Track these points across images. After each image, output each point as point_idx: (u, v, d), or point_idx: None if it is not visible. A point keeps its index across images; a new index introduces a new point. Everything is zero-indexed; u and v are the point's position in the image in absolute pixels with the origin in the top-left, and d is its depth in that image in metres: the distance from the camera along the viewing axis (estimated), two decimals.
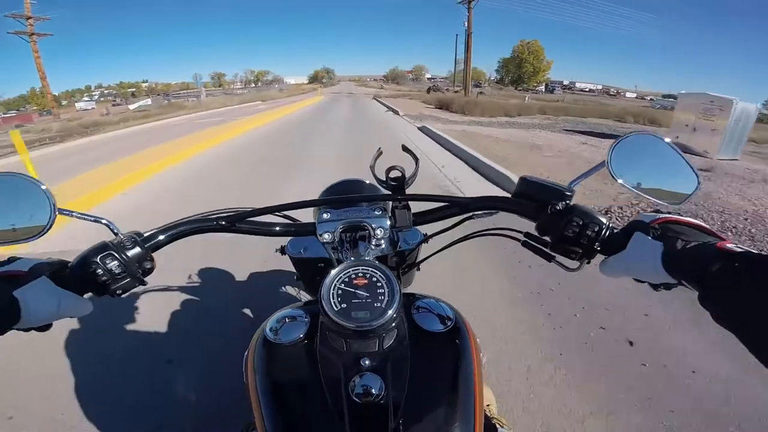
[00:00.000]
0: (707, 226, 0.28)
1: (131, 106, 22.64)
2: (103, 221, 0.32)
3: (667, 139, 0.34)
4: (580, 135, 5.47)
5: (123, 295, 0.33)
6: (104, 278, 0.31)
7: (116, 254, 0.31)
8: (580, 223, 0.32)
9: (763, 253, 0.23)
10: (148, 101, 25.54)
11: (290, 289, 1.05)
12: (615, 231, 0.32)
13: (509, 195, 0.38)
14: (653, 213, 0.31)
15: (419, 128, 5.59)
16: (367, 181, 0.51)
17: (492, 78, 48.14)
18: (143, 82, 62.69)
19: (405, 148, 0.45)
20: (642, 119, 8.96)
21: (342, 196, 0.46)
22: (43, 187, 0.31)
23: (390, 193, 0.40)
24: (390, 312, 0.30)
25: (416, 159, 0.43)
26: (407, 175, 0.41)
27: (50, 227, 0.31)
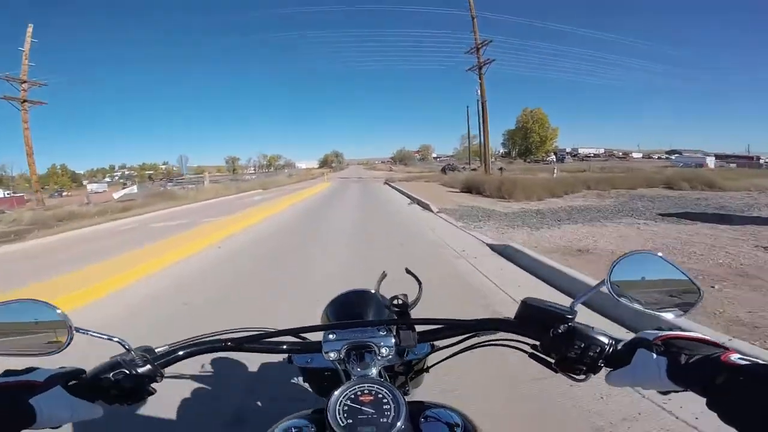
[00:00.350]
0: (710, 338, 0.33)
1: (115, 195, 20.05)
2: (115, 339, 0.38)
3: (660, 254, 0.39)
4: (694, 222, 3.98)
5: (132, 405, 0.38)
6: (115, 392, 0.36)
7: (127, 371, 0.36)
8: (582, 345, 0.36)
9: (761, 362, 0.28)
10: (134, 189, 23.41)
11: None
12: (618, 347, 0.36)
13: (512, 318, 0.44)
14: (656, 330, 0.35)
15: (495, 249, 3.07)
16: (373, 290, 0.57)
17: (498, 152, 49.02)
18: (163, 164, 64.19)
19: (408, 271, 0.51)
20: (695, 183, 8.37)
21: (347, 321, 0.51)
22: (59, 311, 0.38)
23: (394, 315, 0.46)
24: (396, 427, 0.33)
25: (420, 283, 0.49)
26: (411, 300, 0.48)
27: (69, 344, 0.37)
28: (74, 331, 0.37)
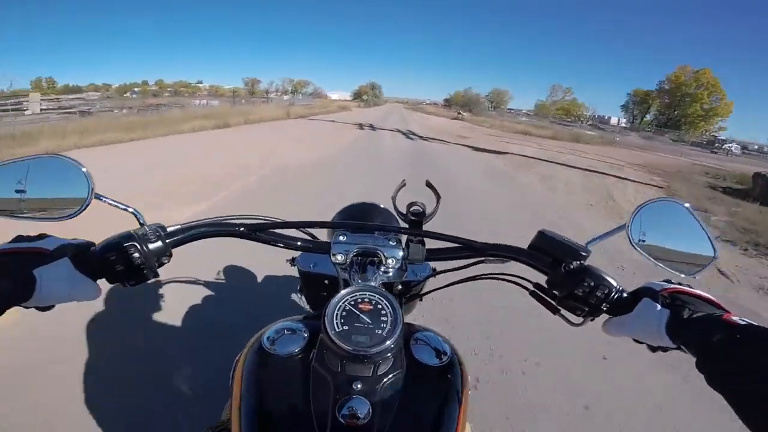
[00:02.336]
0: (715, 299, 0.40)
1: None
2: (130, 210, 0.46)
3: (687, 205, 0.47)
4: None
5: (135, 286, 0.45)
6: (122, 267, 0.43)
7: (139, 246, 0.44)
8: (591, 284, 0.45)
9: (761, 326, 0.33)
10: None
11: (296, 297, 1.61)
12: (624, 294, 0.45)
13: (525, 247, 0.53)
14: (663, 282, 0.44)
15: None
16: (382, 206, 0.73)
17: (618, 120, 46.22)
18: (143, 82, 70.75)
19: (428, 184, 0.62)
20: None
21: (361, 222, 0.62)
22: (84, 169, 0.44)
23: (408, 227, 0.57)
24: (390, 341, 0.41)
25: (438, 197, 0.60)
26: (428, 212, 0.58)
27: (85, 209, 0.44)
28: (94, 196, 0.44)
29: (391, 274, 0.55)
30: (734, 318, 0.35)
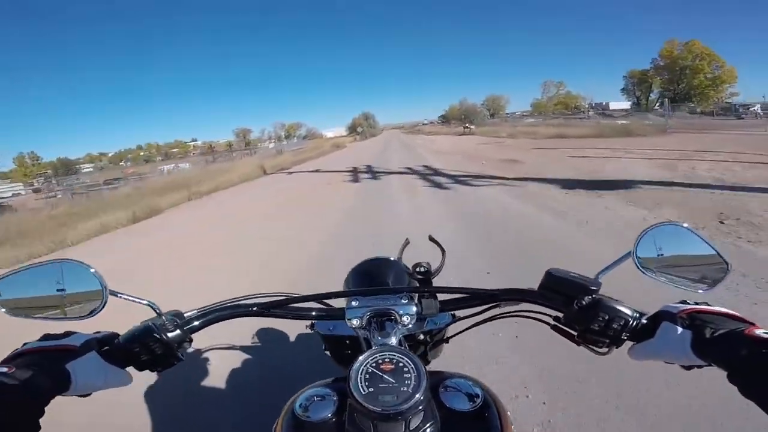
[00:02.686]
0: (736, 313, 0.43)
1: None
2: (145, 302, 0.51)
3: (686, 225, 0.50)
4: None
5: (162, 371, 0.52)
6: (145, 358, 0.50)
7: (158, 336, 0.50)
8: (606, 317, 0.47)
9: None
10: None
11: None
12: (643, 321, 0.47)
13: (535, 288, 0.56)
14: (680, 303, 0.46)
15: None
16: (392, 258, 0.79)
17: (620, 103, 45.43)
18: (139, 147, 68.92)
19: (432, 239, 0.72)
20: None
21: (371, 288, 0.72)
22: (93, 270, 0.50)
23: (417, 285, 0.64)
24: (417, 396, 0.44)
25: (443, 251, 0.68)
26: (434, 267, 0.66)
27: (102, 308, 0.51)
28: (108, 294, 0.50)
29: (410, 326, 0.59)
30: (758, 332, 0.38)
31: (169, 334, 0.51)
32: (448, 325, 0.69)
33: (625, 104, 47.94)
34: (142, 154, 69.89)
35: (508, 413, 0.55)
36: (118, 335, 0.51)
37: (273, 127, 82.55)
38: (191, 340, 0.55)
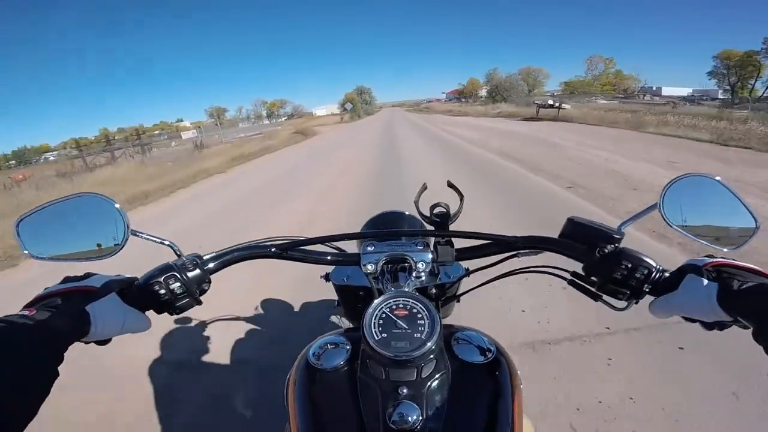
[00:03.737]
0: (762, 270, 0.46)
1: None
2: (167, 243, 0.58)
3: (718, 178, 0.53)
4: None
5: (180, 314, 0.59)
6: (166, 297, 0.56)
7: (179, 275, 0.56)
8: (629, 266, 0.53)
9: None
10: None
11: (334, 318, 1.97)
12: (666, 274, 0.53)
13: (556, 236, 0.62)
14: (706, 257, 0.51)
15: None
16: (407, 212, 0.89)
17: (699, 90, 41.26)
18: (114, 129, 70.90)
19: (450, 184, 0.77)
20: None
21: (387, 230, 0.83)
22: (117, 206, 0.56)
23: (433, 228, 0.68)
24: (429, 343, 0.50)
25: (461, 196, 0.73)
26: (452, 212, 0.70)
27: (123, 247, 0.57)
28: (130, 233, 0.56)
29: (423, 278, 0.65)
30: None
31: (189, 274, 0.58)
32: (460, 278, 0.76)
33: (680, 90, 46.47)
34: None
35: (519, 372, 0.62)
36: (137, 279, 0.57)
37: (253, 104, 79.35)
38: (210, 282, 0.61)
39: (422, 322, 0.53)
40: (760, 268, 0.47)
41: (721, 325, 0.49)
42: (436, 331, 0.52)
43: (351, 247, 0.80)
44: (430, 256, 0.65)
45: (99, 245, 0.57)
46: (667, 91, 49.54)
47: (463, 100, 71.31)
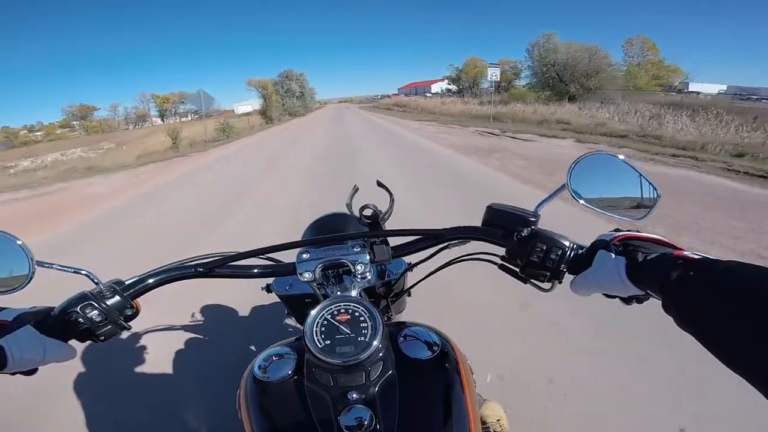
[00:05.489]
0: (664, 239, 0.57)
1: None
2: (83, 272, 0.67)
3: (622, 157, 0.67)
4: None
5: (106, 341, 0.68)
6: (85, 326, 0.64)
7: (96, 304, 0.64)
8: (544, 248, 0.65)
9: (716, 258, 0.48)
10: None
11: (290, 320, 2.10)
12: (579, 252, 0.65)
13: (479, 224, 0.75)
14: (613, 231, 0.63)
15: None
16: (350, 213, 0.91)
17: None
18: None
19: (380, 184, 0.88)
20: None
21: (317, 237, 0.92)
22: (19, 242, 0.64)
23: (367, 230, 0.79)
24: (374, 344, 0.60)
25: (391, 195, 0.86)
26: (383, 211, 0.82)
27: (31, 279, 0.64)
28: (36, 265, 0.64)
29: (369, 278, 0.76)
30: (686, 253, 0.51)
31: (108, 302, 0.66)
32: (404, 272, 0.93)
33: (712, 87, 44.92)
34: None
35: (468, 362, 0.75)
36: (53, 308, 0.65)
37: (140, 99, 67.51)
38: (135, 307, 0.70)
39: (365, 324, 0.63)
40: (662, 238, 0.58)
41: (638, 299, 0.59)
42: (379, 331, 0.62)
43: (290, 256, 0.87)
44: (367, 257, 0.76)
45: (5, 279, 0.66)
46: (693, 86, 45.45)
47: (449, 92, 61.58)
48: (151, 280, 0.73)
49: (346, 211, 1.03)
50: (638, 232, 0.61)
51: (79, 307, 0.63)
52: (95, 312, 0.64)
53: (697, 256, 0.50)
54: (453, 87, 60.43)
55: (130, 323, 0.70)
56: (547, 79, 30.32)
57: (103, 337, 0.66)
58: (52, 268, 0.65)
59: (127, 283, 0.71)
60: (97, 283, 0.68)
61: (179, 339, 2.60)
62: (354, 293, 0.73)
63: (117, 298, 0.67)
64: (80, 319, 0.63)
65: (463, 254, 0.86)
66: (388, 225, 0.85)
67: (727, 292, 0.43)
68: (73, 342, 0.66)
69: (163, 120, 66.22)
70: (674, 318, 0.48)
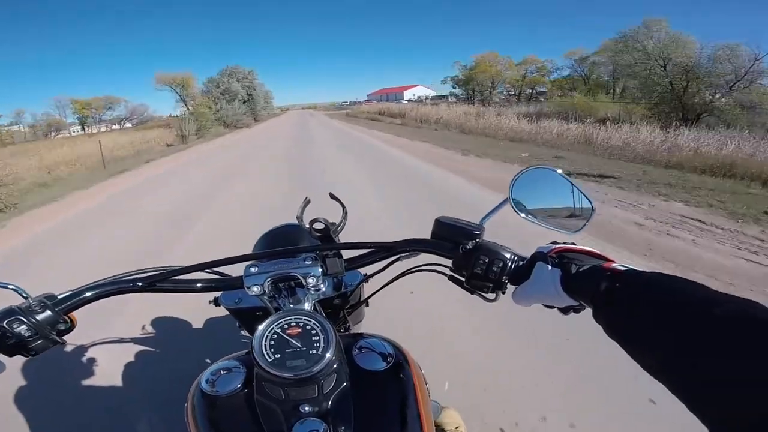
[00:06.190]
0: (595, 251, 0.64)
1: None
2: (10, 286, 0.69)
3: (560, 171, 0.76)
4: None
5: (37, 355, 0.69)
6: (13, 341, 0.65)
7: (24, 318, 0.66)
8: (486, 260, 0.70)
9: (641, 270, 0.53)
10: None
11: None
12: (520, 263, 0.70)
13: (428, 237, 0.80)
14: (551, 244, 0.68)
15: None
16: (302, 224, 0.92)
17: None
18: None
19: (332, 196, 0.97)
20: None
21: (264, 251, 0.98)
22: None
23: (319, 243, 0.83)
24: (327, 357, 0.63)
25: (344, 207, 0.93)
26: (336, 223, 0.87)
27: None
28: None
29: (323, 290, 0.79)
30: (614, 265, 0.57)
31: (38, 317, 0.67)
32: (359, 283, 0.96)
33: None
34: None
35: (422, 371, 0.79)
36: None
37: (56, 104, 58.49)
38: (70, 321, 0.72)
39: (317, 337, 0.66)
40: (594, 250, 0.64)
41: (575, 309, 0.64)
42: (332, 344, 0.65)
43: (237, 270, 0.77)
44: (319, 270, 0.78)
45: None
46: None
47: (450, 98, 52.07)
48: (87, 294, 0.74)
49: (296, 222, 1.05)
50: (573, 244, 0.67)
51: (5, 322, 0.65)
52: (23, 327, 0.65)
53: (623, 268, 0.55)
54: (458, 91, 52.82)
55: (65, 337, 0.71)
56: (650, 86, 20.30)
57: (33, 352, 0.68)
58: None
59: (59, 297, 0.72)
60: (26, 298, 0.69)
61: (129, 351, 2.66)
62: (307, 306, 0.75)
63: (48, 312, 0.68)
64: (7, 334, 0.65)
65: (415, 265, 0.91)
66: (343, 237, 0.89)
67: (649, 302, 0.47)
68: (1, 356, 0.67)
69: (84, 129, 58.97)
70: (603, 327, 0.52)
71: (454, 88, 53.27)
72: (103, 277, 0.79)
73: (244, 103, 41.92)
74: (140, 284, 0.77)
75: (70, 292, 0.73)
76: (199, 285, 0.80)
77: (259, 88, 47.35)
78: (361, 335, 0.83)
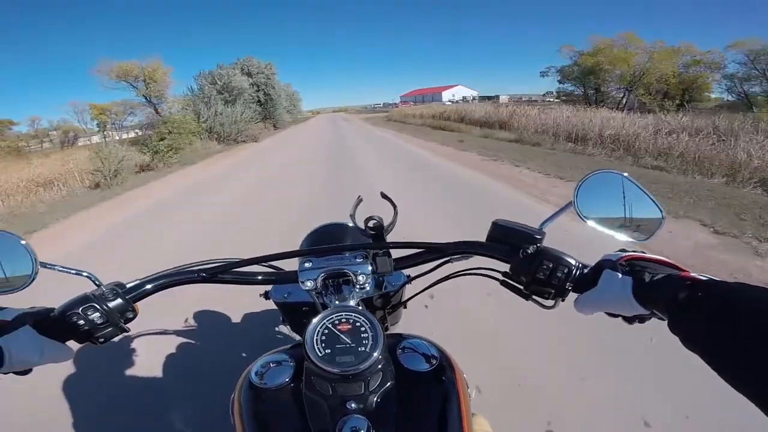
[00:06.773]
0: (670, 260, 0.64)
1: None
2: (84, 274, 0.75)
3: (626, 174, 0.75)
4: None
5: (105, 343, 0.74)
6: (86, 328, 0.71)
7: (98, 306, 0.71)
8: (551, 266, 0.71)
9: (722, 280, 0.53)
10: None
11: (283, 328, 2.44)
12: (585, 271, 0.71)
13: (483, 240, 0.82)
14: (619, 252, 0.69)
15: None
16: (350, 224, 0.96)
17: None
18: None
19: (384, 195, 0.98)
20: None
21: (322, 246, 0.94)
22: (23, 242, 0.73)
23: (370, 241, 0.87)
24: (374, 356, 0.66)
25: (395, 206, 0.93)
26: (387, 223, 0.89)
27: (33, 280, 0.73)
28: (39, 266, 0.70)
29: (368, 289, 0.83)
30: (694, 274, 0.56)
31: (110, 304, 0.72)
32: (403, 285, 1.01)
33: None
34: None
35: (464, 375, 0.81)
36: (53, 309, 0.71)
37: (73, 109, 50.15)
38: (135, 310, 0.76)
39: (366, 335, 0.69)
40: (667, 259, 0.64)
41: (641, 318, 0.65)
42: (380, 342, 0.68)
43: (290, 264, 0.94)
44: (369, 268, 0.82)
45: (8, 279, 0.73)
46: None
47: (546, 95, 45.00)
48: (153, 284, 0.79)
49: (343, 221, 1.15)
50: (643, 252, 0.67)
51: (81, 309, 0.69)
52: (97, 314, 0.70)
53: (704, 278, 0.54)
54: (568, 87, 43.06)
55: (129, 326, 0.76)
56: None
57: (102, 339, 0.72)
58: (54, 269, 0.72)
59: (128, 286, 0.77)
60: (98, 285, 0.74)
61: (172, 342, 2.92)
62: (353, 303, 0.78)
63: (119, 300, 0.73)
64: (81, 321, 0.69)
65: (464, 269, 0.92)
66: (391, 237, 0.91)
67: (736, 313, 0.47)
68: (70, 343, 0.72)
69: (104, 136, 53.73)
70: (681, 338, 0.52)
71: (561, 83, 42.95)
72: None
73: (260, 104, 33.61)
74: (204, 275, 0.82)
75: (138, 282, 0.78)
76: (259, 277, 0.87)
77: (279, 86, 39.08)
78: (402, 335, 0.86)
